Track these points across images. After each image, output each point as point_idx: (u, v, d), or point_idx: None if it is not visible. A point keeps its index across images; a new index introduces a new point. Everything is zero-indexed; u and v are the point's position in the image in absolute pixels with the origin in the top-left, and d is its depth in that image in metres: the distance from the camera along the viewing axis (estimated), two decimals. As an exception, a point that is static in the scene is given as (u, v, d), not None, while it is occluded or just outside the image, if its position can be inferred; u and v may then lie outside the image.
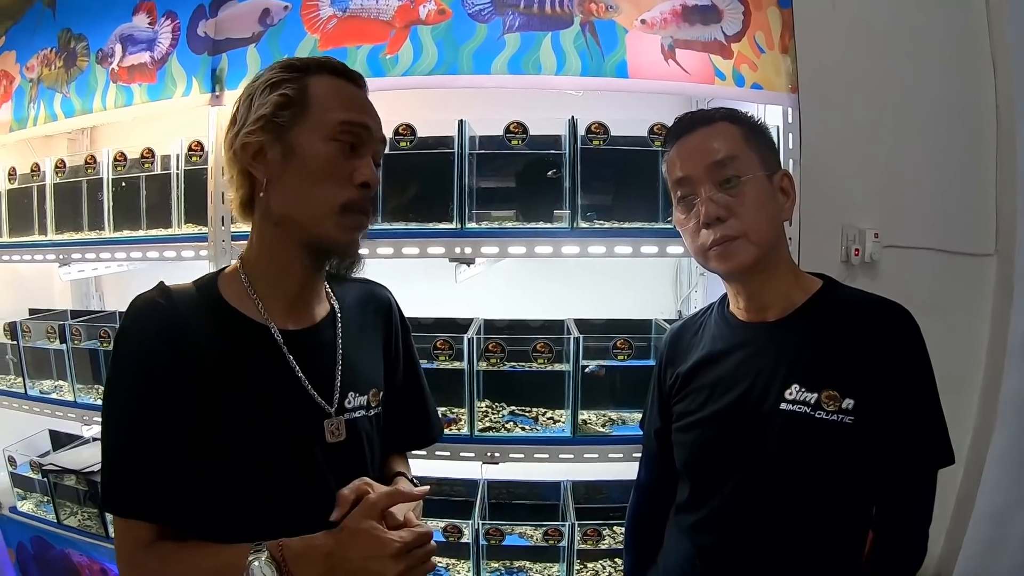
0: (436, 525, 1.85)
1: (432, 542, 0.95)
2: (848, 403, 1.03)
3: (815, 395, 1.05)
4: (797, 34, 1.78)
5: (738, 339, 1.17)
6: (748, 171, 1.10)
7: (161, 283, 1.00)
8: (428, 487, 1.02)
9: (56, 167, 2.04)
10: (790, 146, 1.71)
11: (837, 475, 1.06)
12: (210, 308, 0.98)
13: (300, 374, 1.00)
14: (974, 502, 2.18)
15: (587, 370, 1.75)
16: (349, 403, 1.05)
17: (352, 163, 0.98)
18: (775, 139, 1.24)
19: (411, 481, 1.13)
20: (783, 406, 1.06)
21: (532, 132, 1.70)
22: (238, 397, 0.95)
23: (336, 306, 1.10)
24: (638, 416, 1.83)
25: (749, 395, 1.11)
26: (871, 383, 1.04)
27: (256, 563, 0.87)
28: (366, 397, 1.08)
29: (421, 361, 1.78)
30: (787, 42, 1.76)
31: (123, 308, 2.33)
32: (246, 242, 1.05)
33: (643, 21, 1.70)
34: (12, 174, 2.15)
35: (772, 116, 1.80)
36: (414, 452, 1.73)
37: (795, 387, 1.06)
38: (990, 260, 2.17)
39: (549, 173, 1.69)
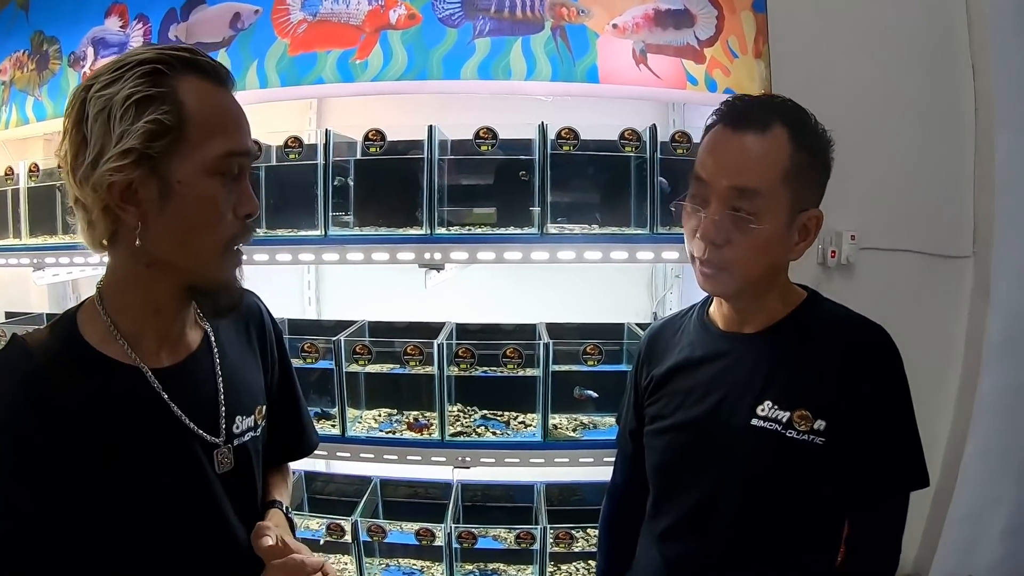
0: (410, 528, 1.86)
1: None
2: (820, 424, 1.01)
3: (787, 413, 1.03)
4: (772, 38, 1.78)
5: (715, 348, 1.14)
6: (766, 216, 1.00)
7: (14, 336, 0.89)
8: (322, 561, 0.98)
9: (30, 171, 2.03)
10: (761, 151, 1.71)
11: (805, 494, 1.05)
12: (73, 357, 0.87)
13: (179, 412, 0.91)
14: (950, 501, 2.20)
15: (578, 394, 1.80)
16: (237, 428, 0.99)
17: (233, 194, 0.87)
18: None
19: (285, 512, 1.09)
20: (754, 422, 1.05)
21: (504, 136, 1.70)
22: (120, 452, 0.86)
23: (208, 329, 1.01)
24: (609, 420, 1.85)
25: (721, 407, 1.09)
26: (845, 406, 1.02)
27: None
28: (253, 417, 1.02)
29: (393, 366, 1.83)
30: (760, 47, 1.76)
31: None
32: (90, 247, 0.90)
33: (615, 26, 1.70)
34: (-14, 177, 2.14)
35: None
36: (384, 456, 1.78)
37: (768, 404, 1.04)
38: (967, 262, 2.18)
39: (520, 174, 1.69)
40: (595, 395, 1.82)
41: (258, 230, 1.45)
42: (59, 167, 0.88)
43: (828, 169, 1.06)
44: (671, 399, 1.17)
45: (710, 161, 1.04)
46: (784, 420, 1.03)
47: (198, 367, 0.97)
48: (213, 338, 1.00)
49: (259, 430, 1.03)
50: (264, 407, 1.06)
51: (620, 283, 2.28)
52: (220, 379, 0.98)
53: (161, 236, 0.84)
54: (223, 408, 0.97)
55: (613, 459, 1.75)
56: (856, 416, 1.01)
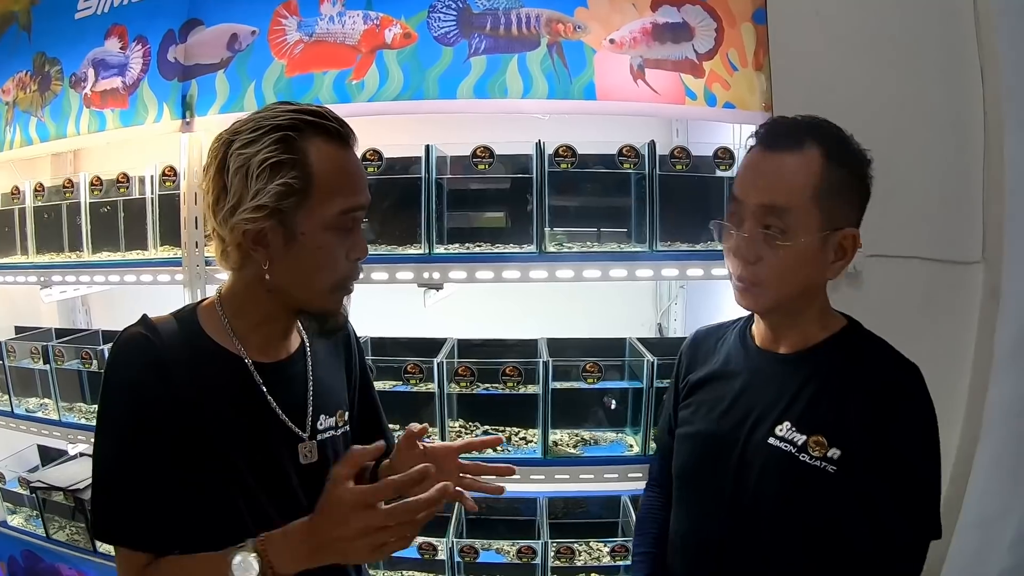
0: (413, 542, 1.87)
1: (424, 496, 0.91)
2: (834, 452, 1.02)
3: (804, 437, 1.04)
4: (773, 48, 1.75)
5: (748, 364, 1.17)
6: (798, 232, 1.02)
7: (144, 316, 1.03)
8: (382, 443, 0.98)
9: (35, 190, 2.06)
10: (762, 166, 1.69)
11: (812, 519, 1.05)
12: (191, 342, 1.02)
13: (274, 405, 1.06)
14: (960, 510, 2.17)
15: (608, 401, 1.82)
16: (321, 425, 1.13)
17: (347, 241, 1.01)
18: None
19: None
20: (771, 440, 1.07)
21: (501, 154, 1.69)
22: (218, 428, 1.00)
23: (305, 337, 1.17)
24: (611, 436, 1.85)
25: (743, 422, 1.11)
26: (864, 439, 1.01)
27: (239, 554, 0.93)
28: (334, 418, 1.16)
29: (395, 382, 1.84)
30: (761, 59, 1.73)
31: (108, 326, 2.38)
32: (220, 266, 1.06)
33: (612, 41, 1.67)
34: (-7, 196, 2.18)
35: (747, 135, 1.78)
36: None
37: (786, 425, 1.06)
38: (976, 268, 2.14)
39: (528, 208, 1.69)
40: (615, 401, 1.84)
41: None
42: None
43: (866, 189, 1.07)
44: (699, 407, 1.21)
45: (744, 181, 1.08)
46: (799, 443, 1.04)
47: (293, 368, 1.12)
48: (308, 346, 1.16)
49: (339, 430, 1.17)
50: (345, 412, 1.20)
51: (624, 296, 2.27)
52: (311, 381, 1.13)
53: (284, 273, 1.00)
54: (311, 408, 1.11)
55: (614, 475, 1.77)
56: (874, 452, 1.00)
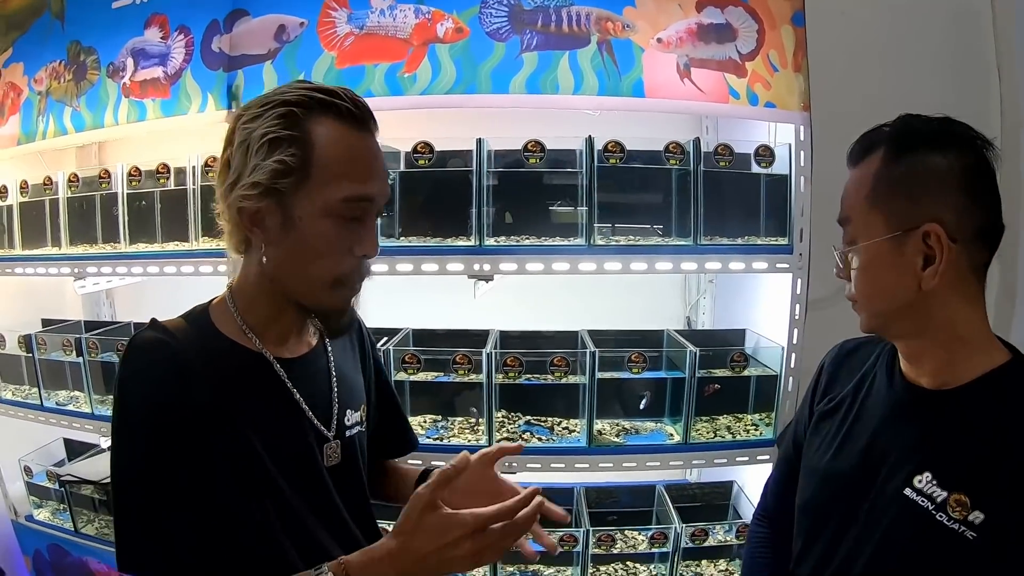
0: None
1: (524, 511, 0.88)
2: (976, 516, 0.87)
3: (944, 494, 0.90)
4: (810, 51, 1.80)
5: (891, 396, 1.02)
6: (862, 236, 0.97)
7: (154, 321, 0.96)
8: (466, 453, 0.92)
9: (69, 181, 2.04)
10: (802, 164, 1.74)
11: None
12: (209, 343, 0.95)
13: (304, 405, 1.01)
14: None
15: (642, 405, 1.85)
16: (348, 421, 1.08)
17: (353, 234, 0.93)
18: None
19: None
20: (907, 492, 0.94)
21: (549, 148, 1.72)
22: (249, 431, 0.93)
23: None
24: (651, 425, 1.89)
25: (879, 466, 0.99)
26: (1013, 505, 0.85)
27: None
28: (359, 413, 1.12)
29: (439, 374, 1.86)
30: (800, 60, 1.78)
31: (136, 319, 2.36)
32: (227, 250, 1.01)
33: (659, 40, 1.71)
34: (24, 187, 2.14)
35: (784, 134, 1.83)
36: (432, 462, 1.80)
37: (927, 476, 0.92)
38: (992, 266, 2.20)
39: (554, 205, 1.72)
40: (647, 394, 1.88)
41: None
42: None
43: (962, 171, 0.91)
44: (833, 438, 1.08)
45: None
46: (939, 500, 0.90)
47: (315, 362, 1.07)
48: (328, 339, 1.10)
49: (363, 426, 1.13)
50: (365, 406, 1.15)
51: (652, 289, 2.31)
52: (334, 376, 1.08)
53: (280, 259, 0.94)
54: (336, 404, 1.06)
55: (656, 464, 1.80)
56: (1021, 524, 0.85)
